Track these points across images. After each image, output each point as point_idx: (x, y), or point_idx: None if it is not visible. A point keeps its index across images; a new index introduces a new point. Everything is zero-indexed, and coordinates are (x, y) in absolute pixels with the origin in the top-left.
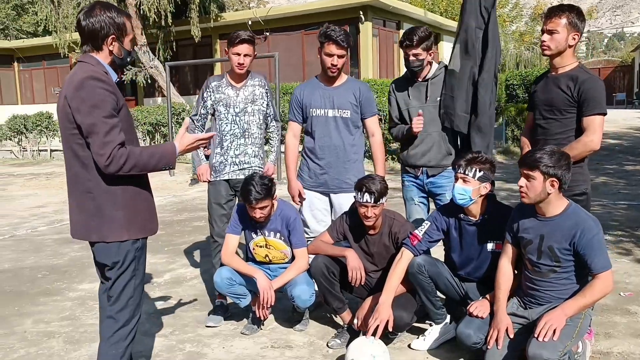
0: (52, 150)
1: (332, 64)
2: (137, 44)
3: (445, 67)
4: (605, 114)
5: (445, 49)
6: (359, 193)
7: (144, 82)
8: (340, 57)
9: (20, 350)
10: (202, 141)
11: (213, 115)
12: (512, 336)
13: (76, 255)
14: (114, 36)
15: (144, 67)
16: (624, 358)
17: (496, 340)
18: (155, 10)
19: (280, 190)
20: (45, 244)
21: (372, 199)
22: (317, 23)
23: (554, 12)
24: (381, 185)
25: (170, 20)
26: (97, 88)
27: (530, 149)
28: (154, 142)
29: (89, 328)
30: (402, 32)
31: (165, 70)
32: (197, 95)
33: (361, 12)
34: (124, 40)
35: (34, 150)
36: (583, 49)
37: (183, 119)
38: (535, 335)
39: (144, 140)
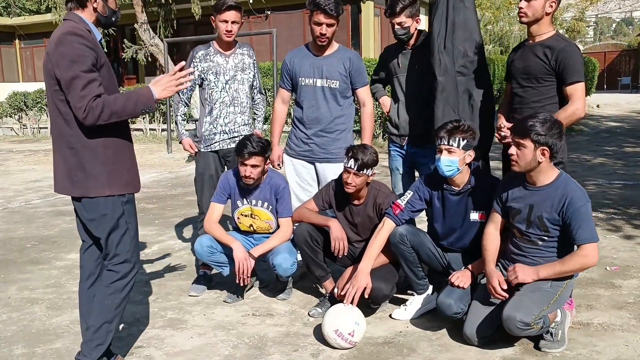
0: None
1: (320, 33)
2: (137, 20)
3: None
4: (583, 81)
5: None
6: (346, 157)
7: (145, 60)
8: (329, 26)
9: (3, 315)
10: (178, 77)
11: (201, 85)
12: (505, 287)
13: (67, 227)
14: None
15: (145, 45)
16: (603, 328)
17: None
18: None
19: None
20: (37, 216)
21: (355, 166)
22: None
23: None
24: (370, 156)
25: None
26: (76, 43)
27: (504, 121)
28: (154, 120)
29: (73, 295)
30: None
31: (164, 47)
32: None
33: None
34: None
35: (34, 128)
36: (591, 33)
37: None
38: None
39: (143, 118)
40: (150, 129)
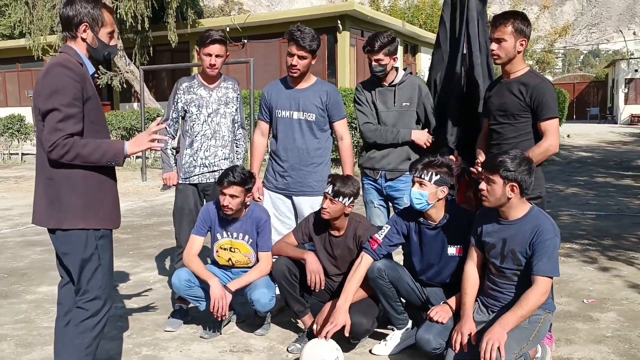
0: (23, 154)
1: (291, 64)
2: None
3: (411, 73)
4: (558, 117)
5: (423, 60)
6: (327, 183)
7: (120, 86)
8: (300, 58)
9: None
10: (153, 135)
11: (184, 117)
12: (474, 343)
13: (37, 258)
14: (86, 24)
15: (120, 71)
16: None
17: (461, 344)
18: (132, 14)
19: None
20: (6, 247)
21: (331, 192)
22: None
23: (499, 21)
24: (349, 187)
25: (147, 25)
26: (63, 75)
27: (483, 156)
28: None
29: (44, 331)
30: None
31: (139, 74)
32: None
33: (339, 22)
34: (99, 31)
35: (4, 154)
36: (560, 65)
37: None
38: (482, 359)
39: None
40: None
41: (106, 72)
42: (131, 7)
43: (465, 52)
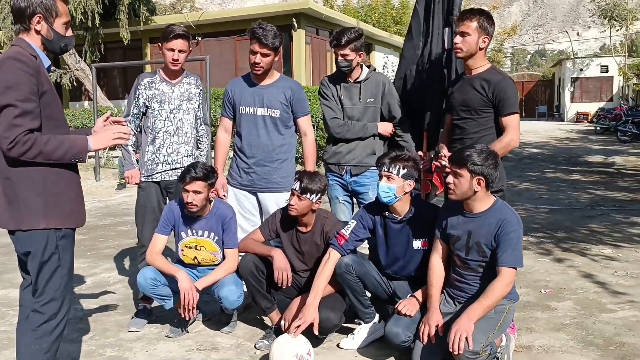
0: None
1: (254, 62)
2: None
3: (374, 70)
4: (518, 112)
5: (377, 58)
6: (294, 179)
7: (70, 84)
8: (263, 55)
9: None
10: (118, 132)
11: (145, 114)
12: (441, 334)
13: None
14: (40, 15)
15: (70, 69)
16: (544, 350)
17: (428, 335)
18: (82, 10)
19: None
20: None
21: (299, 189)
22: None
23: (465, 15)
24: (316, 183)
25: (98, 22)
26: (16, 69)
27: (446, 150)
28: None
29: (1, 335)
30: None
31: (91, 72)
32: (126, 100)
33: (294, 20)
34: (54, 22)
35: None
36: (508, 63)
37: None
38: (450, 350)
39: None
40: None
41: (55, 70)
42: (81, 3)
43: (447, 47)
